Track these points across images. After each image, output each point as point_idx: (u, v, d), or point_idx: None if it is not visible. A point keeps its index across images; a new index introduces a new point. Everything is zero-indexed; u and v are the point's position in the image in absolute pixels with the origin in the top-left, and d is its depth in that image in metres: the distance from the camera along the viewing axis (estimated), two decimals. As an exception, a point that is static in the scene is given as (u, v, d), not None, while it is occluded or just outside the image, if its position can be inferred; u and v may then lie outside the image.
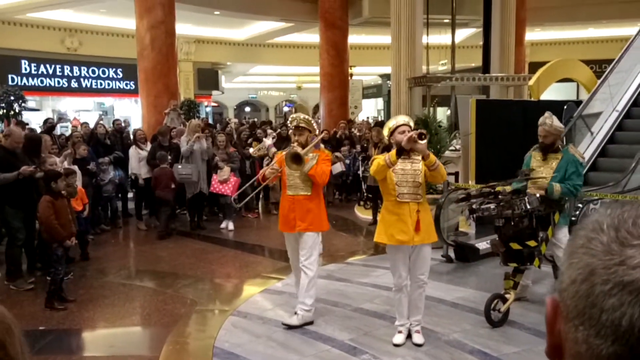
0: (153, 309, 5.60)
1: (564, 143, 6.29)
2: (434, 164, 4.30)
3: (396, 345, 4.45)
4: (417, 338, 4.46)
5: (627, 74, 8.50)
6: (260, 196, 11.65)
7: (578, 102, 8.84)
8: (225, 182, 8.98)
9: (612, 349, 0.56)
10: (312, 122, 5.09)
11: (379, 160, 4.35)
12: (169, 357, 4.47)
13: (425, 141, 4.25)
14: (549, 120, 5.04)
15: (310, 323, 4.92)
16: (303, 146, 4.88)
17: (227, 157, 9.27)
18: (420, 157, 4.38)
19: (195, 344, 4.82)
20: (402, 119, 4.60)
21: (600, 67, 16.45)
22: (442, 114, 17.38)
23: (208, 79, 22.84)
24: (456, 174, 8.67)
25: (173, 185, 8.62)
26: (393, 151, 4.31)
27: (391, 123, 4.55)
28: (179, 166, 8.88)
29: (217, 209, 10.12)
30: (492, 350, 4.33)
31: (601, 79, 8.89)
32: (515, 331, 4.70)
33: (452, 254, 6.98)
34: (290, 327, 4.84)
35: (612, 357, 0.56)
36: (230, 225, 9.19)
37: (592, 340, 0.58)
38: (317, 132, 5.12)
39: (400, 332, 4.52)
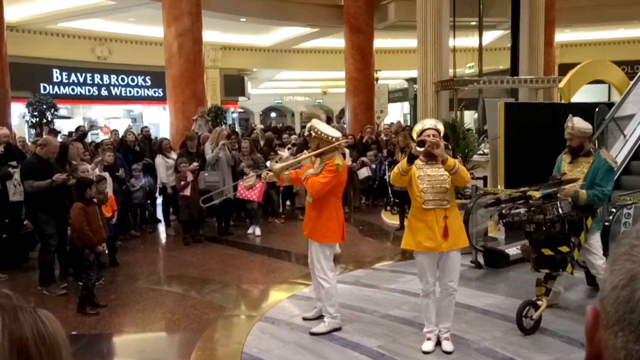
0: (182, 314, 5.65)
1: (596, 146, 6.16)
2: (452, 168, 4.18)
3: (425, 353, 4.40)
4: (447, 345, 4.40)
5: (661, 75, 8.29)
6: (287, 202, 11.70)
7: (610, 104, 8.65)
8: (251, 187, 9.02)
9: None
10: (319, 130, 4.81)
11: (395, 168, 4.40)
12: (198, 362, 4.50)
13: (439, 147, 4.20)
14: (571, 123, 4.95)
15: (339, 329, 4.92)
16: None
17: (252, 163, 9.32)
18: (440, 163, 4.29)
19: (224, 349, 4.84)
20: (428, 122, 4.49)
21: (632, 68, 16.13)
22: (469, 117, 17.21)
23: (234, 85, 23.05)
24: (484, 179, 8.56)
25: (187, 192, 8.64)
26: (404, 159, 4.33)
27: (418, 127, 4.50)
28: (206, 174, 8.96)
29: (244, 215, 10.19)
30: (524, 358, 4.25)
31: (634, 80, 8.69)
32: (547, 339, 4.60)
33: (481, 259, 6.89)
34: (317, 335, 4.85)
35: None
36: (257, 231, 9.24)
37: (631, 346, 0.57)
38: (332, 138, 4.81)
39: (429, 339, 4.47)
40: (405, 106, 30.42)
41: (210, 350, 4.81)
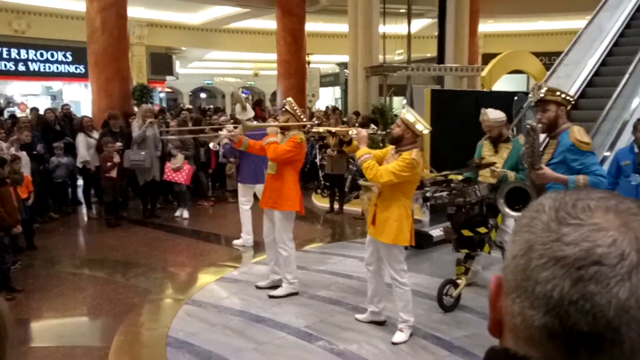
0: (104, 298, 5.49)
1: (515, 133, 6.47)
2: (358, 159, 4.30)
3: (357, 320, 4.67)
4: (395, 336, 4.38)
5: (575, 67, 8.77)
6: (216, 184, 11.54)
7: (528, 93, 9.07)
8: (178, 170, 8.82)
9: (543, 320, 0.59)
10: (295, 107, 5.34)
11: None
12: (121, 347, 4.39)
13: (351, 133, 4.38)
14: (486, 116, 5.20)
15: (295, 294, 5.33)
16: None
17: (181, 144, 9.10)
18: (398, 154, 4.22)
19: (148, 333, 4.75)
20: (402, 112, 4.56)
21: (549, 59, 16.94)
22: (398, 103, 17.55)
23: (162, 63, 22.31)
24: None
25: (113, 174, 8.34)
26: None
27: None
28: (131, 152, 8.66)
29: (171, 197, 9.96)
30: (444, 334, 4.44)
31: (550, 71, 9.14)
32: (466, 315, 4.82)
33: (406, 241, 7.08)
34: (275, 297, 5.26)
35: (543, 328, 0.60)
36: (185, 214, 9.06)
37: (526, 311, 0.61)
38: (302, 118, 5.38)
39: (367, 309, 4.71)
40: (337, 91, 30.62)
41: (134, 334, 4.70)
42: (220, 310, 5.04)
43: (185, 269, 6.71)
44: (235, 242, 7.34)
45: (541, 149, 3.98)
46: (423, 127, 4.25)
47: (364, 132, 4.42)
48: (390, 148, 4.41)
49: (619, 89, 7.64)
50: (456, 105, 8.48)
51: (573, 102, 4.24)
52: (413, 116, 4.28)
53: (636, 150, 5.28)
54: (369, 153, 4.27)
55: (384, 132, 4.69)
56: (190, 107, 16.22)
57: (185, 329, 4.62)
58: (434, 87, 11.44)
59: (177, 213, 9.14)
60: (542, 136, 4.40)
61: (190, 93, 31.51)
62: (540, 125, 3.93)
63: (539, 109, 3.94)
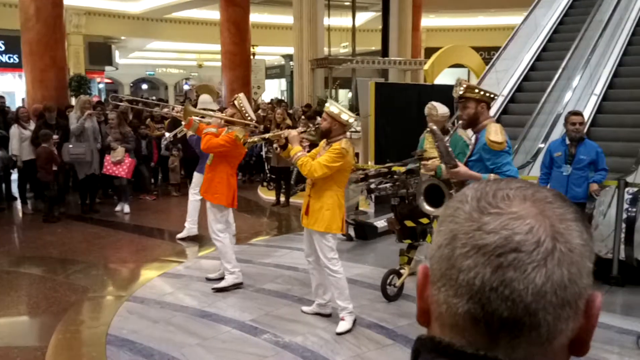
0: (41, 297, 5.28)
1: (454, 126, 6.63)
2: (291, 158, 4.33)
3: (303, 312, 4.70)
4: (339, 325, 4.41)
5: (513, 61, 9.07)
6: (159, 177, 11.30)
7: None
8: (119, 163, 8.57)
9: (466, 307, 0.61)
10: (243, 105, 5.22)
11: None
12: (59, 346, 4.24)
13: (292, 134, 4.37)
14: (434, 111, 5.30)
15: (240, 284, 5.32)
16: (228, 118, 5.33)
17: (121, 136, 8.82)
18: (329, 146, 4.29)
19: (88, 332, 4.60)
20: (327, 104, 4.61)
21: (488, 53, 17.45)
22: (344, 96, 17.67)
23: (100, 53, 21.56)
24: (356, 155, 8.89)
25: (54, 167, 8.04)
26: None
27: None
28: (70, 145, 8.34)
29: (111, 191, 9.66)
30: (388, 324, 4.52)
31: (489, 65, 9.42)
32: (409, 304, 4.92)
33: (352, 232, 7.16)
34: (219, 290, 5.24)
35: (466, 314, 0.61)
36: (126, 208, 8.82)
37: (450, 299, 0.62)
38: (247, 117, 5.22)
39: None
40: (283, 83, 30.51)
41: (73, 332, 4.54)
42: (163, 306, 4.95)
43: (126, 265, 6.54)
44: (179, 235, 7.22)
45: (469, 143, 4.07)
46: (348, 116, 4.32)
47: (293, 132, 4.46)
48: (323, 143, 4.45)
49: (552, 83, 7.96)
50: (400, 98, 8.61)
51: (495, 99, 4.32)
52: (337, 108, 4.36)
53: (567, 142, 5.51)
54: (302, 151, 4.33)
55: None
56: (131, 98, 15.73)
57: (126, 326, 4.50)
58: (379, 80, 11.58)
59: (118, 208, 8.89)
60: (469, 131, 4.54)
61: (131, 84, 30.66)
62: (460, 121, 4.00)
63: (460, 105, 4.00)
